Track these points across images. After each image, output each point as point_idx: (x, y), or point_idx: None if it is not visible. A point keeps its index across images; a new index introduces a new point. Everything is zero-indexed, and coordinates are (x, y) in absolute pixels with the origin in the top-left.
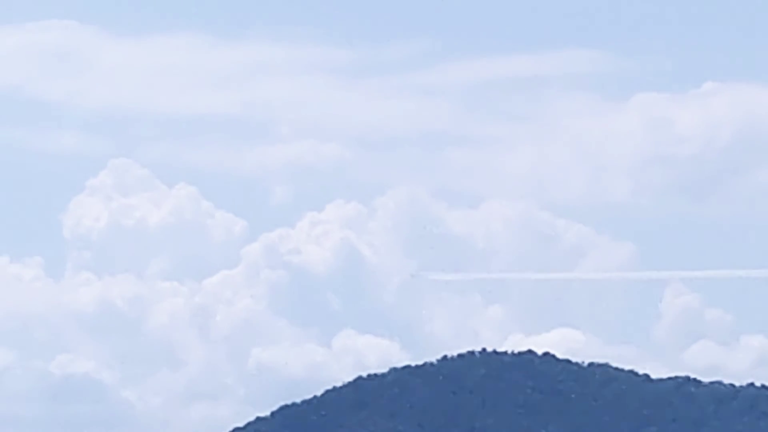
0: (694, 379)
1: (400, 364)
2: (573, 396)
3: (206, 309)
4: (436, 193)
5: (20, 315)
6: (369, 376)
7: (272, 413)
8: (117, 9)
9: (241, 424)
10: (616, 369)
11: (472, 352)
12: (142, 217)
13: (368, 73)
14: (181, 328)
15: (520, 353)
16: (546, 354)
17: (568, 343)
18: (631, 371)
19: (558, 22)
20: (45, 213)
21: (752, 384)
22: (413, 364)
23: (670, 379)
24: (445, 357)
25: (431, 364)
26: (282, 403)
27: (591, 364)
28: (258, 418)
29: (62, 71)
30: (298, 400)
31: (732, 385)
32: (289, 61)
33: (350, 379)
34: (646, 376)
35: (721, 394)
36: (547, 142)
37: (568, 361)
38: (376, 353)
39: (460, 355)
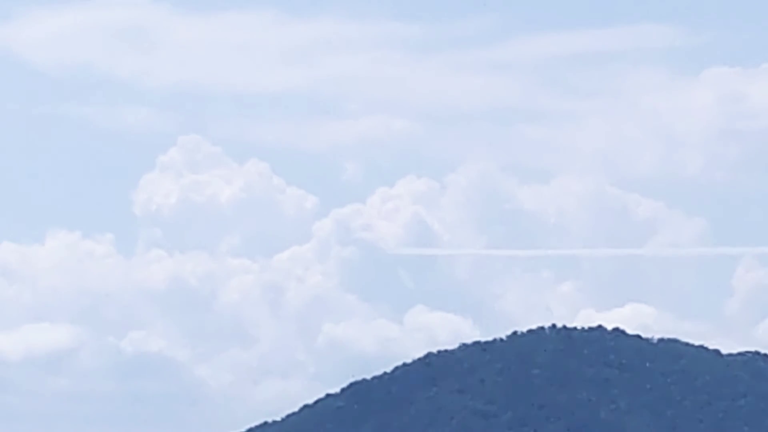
0: (765, 355)
1: (470, 340)
2: (642, 371)
3: (277, 285)
4: (507, 169)
5: (92, 292)
6: (439, 352)
7: (342, 389)
8: None
9: (310, 401)
10: (686, 344)
11: (542, 328)
12: (212, 194)
13: (439, 49)
14: (252, 304)
15: (590, 329)
16: (616, 329)
17: (640, 318)
18: (701, 346)
19: None
20: (116, 190)
21: None
22: (483, 340)
23: (740, 354)
24: (515, 333)
25: (501, 340)
26: (352, 379)
27: (661, 340)
28: (328, 395)
29: (133, 48)
30: (368, 377)
31: None
32: (359, 37)
33: (420, 355)
34: (717, 351)
35: None
36: (618, 118)
37: (639, 337)
38: (447, 329)
39: (530, 331)
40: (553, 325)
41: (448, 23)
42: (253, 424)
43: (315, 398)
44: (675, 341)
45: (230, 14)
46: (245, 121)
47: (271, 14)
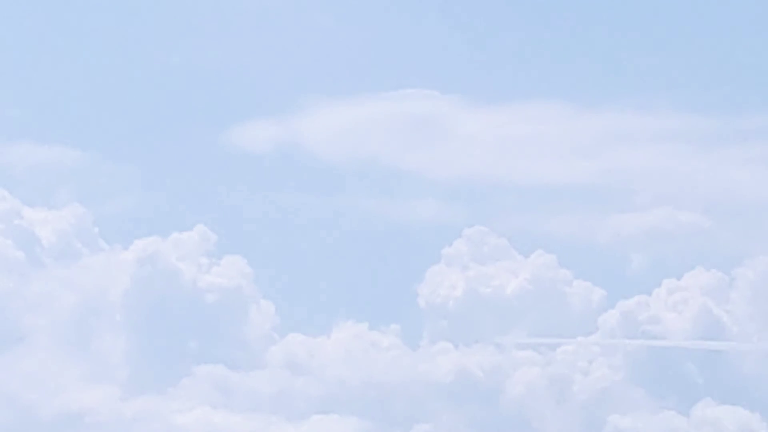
0: None
1: None
2: None
3: (562, 378)
4: None
5: (379, 384)
6: None
7: None
8: (477, 78)
9: None
10: None
11: None
12: (499, 286)
13: (727, 142)
14: (538, 397)
15: None
16: None
17: None
18: None
19: None
20: (402, 282)
21: None
22: None
23: None
24: None
25: None
26: None
27: None
28: None
29: (420, 140)
30: None
31: None
32: (647, 130)
33: None
34: None
35: None
36: None
37: None
38: (735, 423)
39: None
40: None
41: (737, 116)
42: None
43: None
44: None
45: (519, 106)
46: (531, 213)
47: (559, 106)
